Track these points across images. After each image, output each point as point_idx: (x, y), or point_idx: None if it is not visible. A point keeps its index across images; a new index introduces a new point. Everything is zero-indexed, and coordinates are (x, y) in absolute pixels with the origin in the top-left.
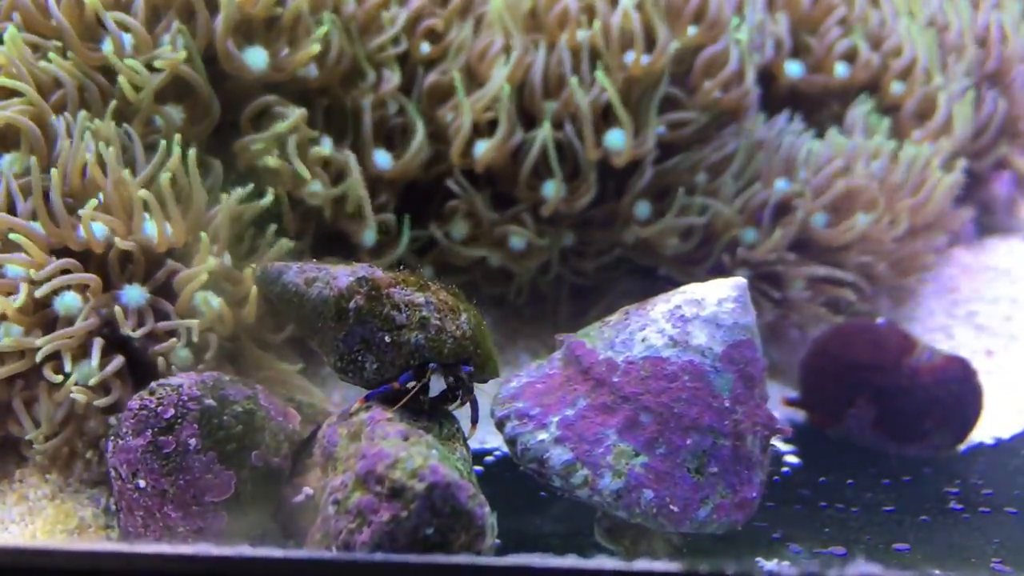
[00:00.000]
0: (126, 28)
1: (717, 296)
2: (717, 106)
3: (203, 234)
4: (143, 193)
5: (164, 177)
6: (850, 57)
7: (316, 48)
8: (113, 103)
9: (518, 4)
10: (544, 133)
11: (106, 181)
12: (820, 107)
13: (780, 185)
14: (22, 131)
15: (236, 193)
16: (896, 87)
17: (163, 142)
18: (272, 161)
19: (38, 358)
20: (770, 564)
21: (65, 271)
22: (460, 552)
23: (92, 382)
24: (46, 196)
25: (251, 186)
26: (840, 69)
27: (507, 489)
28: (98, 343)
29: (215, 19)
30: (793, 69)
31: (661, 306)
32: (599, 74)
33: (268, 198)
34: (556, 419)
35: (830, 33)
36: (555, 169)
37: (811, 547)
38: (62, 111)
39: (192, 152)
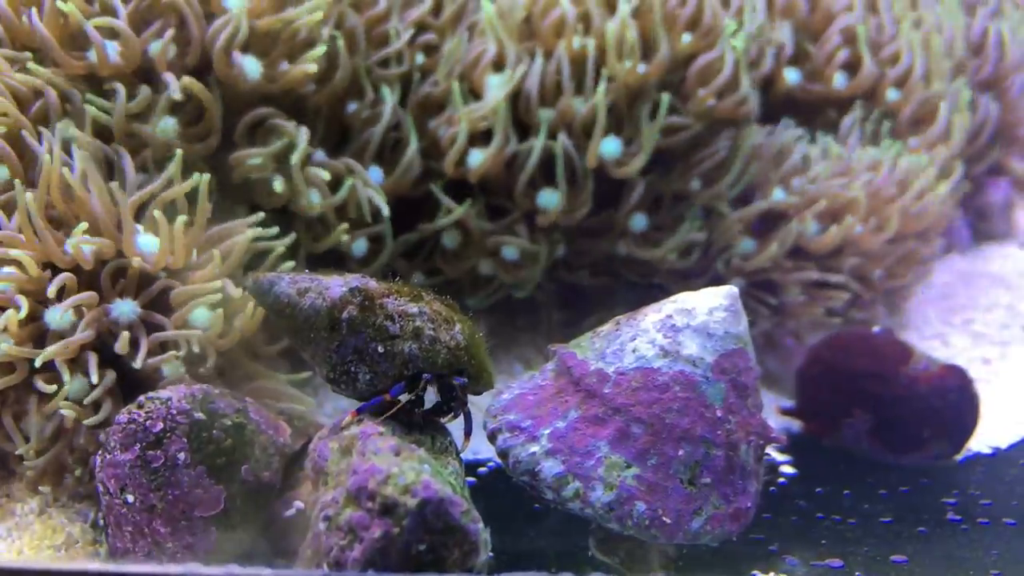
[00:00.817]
0: (115, 35)
1: (708, 305)
2: (712, 114)
3: (215, 252)
4: (157, 215)
5: (188, 185)
6: (849, 66)
7: (313, 68)
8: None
9: (512, 12)
10: (540, 142)
11: (91, 196)
12: (817, 113)
13: (777, 195)
14: None
15: (254, 231)
16: (892, 94)
17: (176, 155)
18: (280, 186)
19: (37, 363)
20: None
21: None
22: (453, 569)
23: (86, 401)
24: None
25: (276, 229)
26: (839, 79)
27: (501, 501)
28: (93, 358)
29: (208, 30)
30: (791, 76)
31: (652, 316)
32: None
33: (287, 240)
34: (547, 431)
35: (831, 41)
36: (560, 179)
37: (808, 559)
38: (44, 122)
39: (207, 178)
